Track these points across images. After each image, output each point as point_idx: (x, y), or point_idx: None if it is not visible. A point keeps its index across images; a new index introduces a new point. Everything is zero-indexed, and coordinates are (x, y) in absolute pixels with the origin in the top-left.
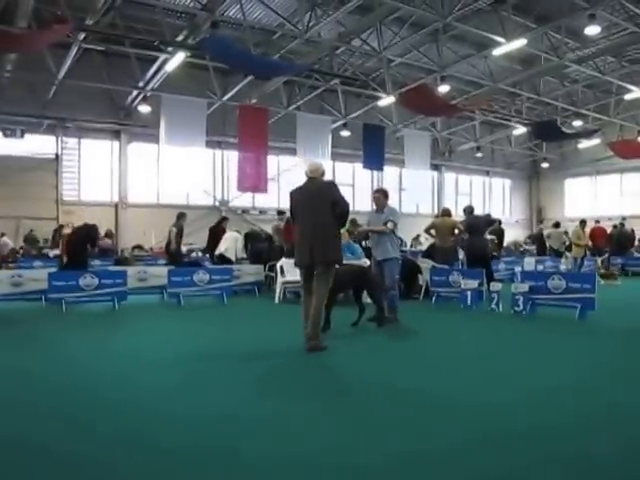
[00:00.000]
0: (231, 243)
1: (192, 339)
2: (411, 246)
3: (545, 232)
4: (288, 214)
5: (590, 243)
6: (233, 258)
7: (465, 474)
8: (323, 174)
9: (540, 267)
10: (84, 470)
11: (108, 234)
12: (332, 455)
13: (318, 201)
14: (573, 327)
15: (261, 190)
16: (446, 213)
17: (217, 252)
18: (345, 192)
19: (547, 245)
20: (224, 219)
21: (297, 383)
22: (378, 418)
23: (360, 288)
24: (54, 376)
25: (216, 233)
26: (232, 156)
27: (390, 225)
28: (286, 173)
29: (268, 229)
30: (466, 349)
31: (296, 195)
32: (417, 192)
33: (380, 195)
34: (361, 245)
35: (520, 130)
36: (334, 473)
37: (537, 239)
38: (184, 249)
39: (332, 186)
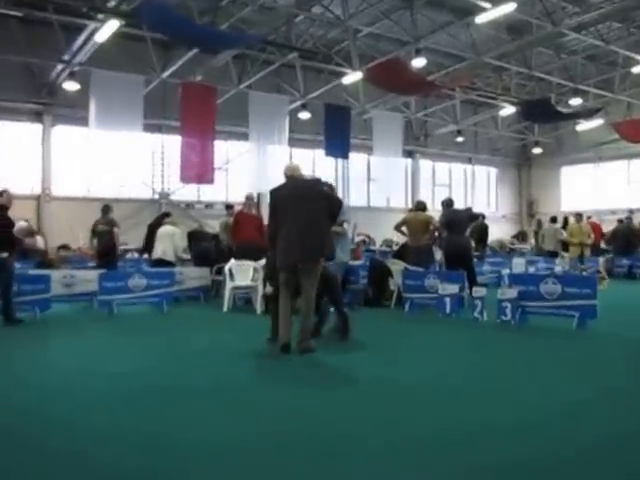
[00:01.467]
0: (167, 242)
1: (128, 356)
2: (387, 245)
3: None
4: (237, 208)
5: (590, 240)
6: (173, 259)
7: None
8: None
9: (531, 269)
10: None
11: (30, 231)
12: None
13: (308, 198)
14: (571, 339)
15: (207, 181)
16: (420, 207)
17: (154, 257)
18: None
19: (535, 244)
20: (166, 215)
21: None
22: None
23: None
24: None
25: (155, 231)
26: (174, 142)
27: (346, 226)
28: (236, 161)
29: (215, 225)
30: (446, 368)
31: (280, 194)
32: (388, 183)
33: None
34: None
35: (508, 110)
36: None
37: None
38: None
39: (320, 183)
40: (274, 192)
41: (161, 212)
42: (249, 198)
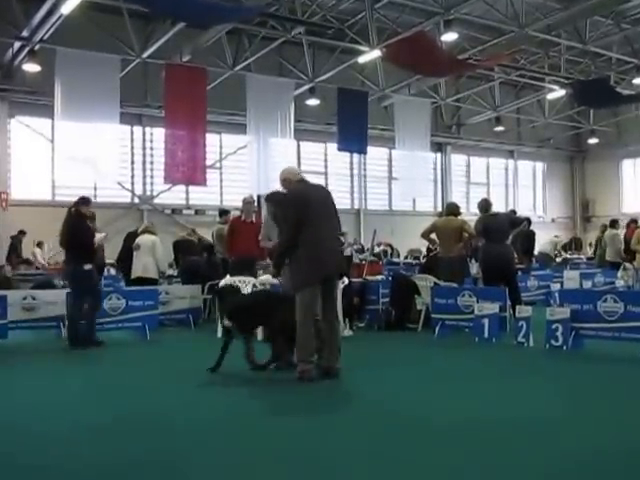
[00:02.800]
0: (147, 255)
1: (103, 399)
2: (414, 257)
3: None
4: (234, 214)
5: None
6: (156, 275)
7: None
8: None
9: (587, 284)
10: None
11: None
12: None
13: (329, 207)
14: (638, 369)
15: (197, 182)
16: (452, 211)
17: (133, 275)
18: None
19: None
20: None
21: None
22: None
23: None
24: None
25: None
26: (157, 134)
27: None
28: (232, 158)
29: (207, 235)
30: (484, 405)
31: (307, 196)
32: (413, 182)
33: (273, 206)
34: None
35: (557, 93)
36: None
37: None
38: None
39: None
40: (300, 192)
41: (144, 220)
42: (248, 202)
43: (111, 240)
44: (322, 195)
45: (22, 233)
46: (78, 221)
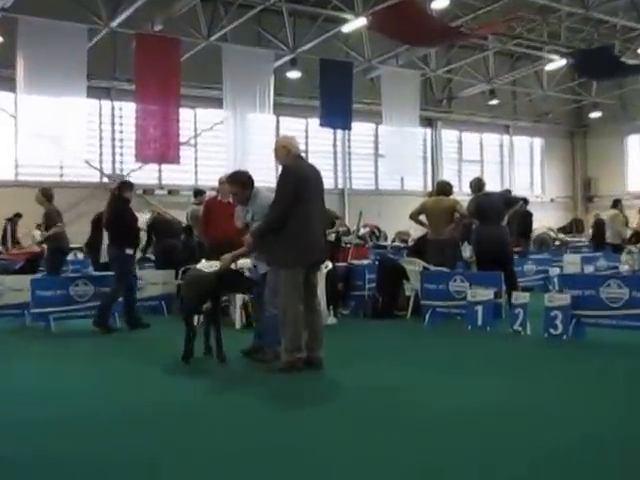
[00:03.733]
0: None
1: (72, 391)
2: (402, 240)
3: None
4: (211, 194)
5: None
6: None
7: None
8: None
9: (589, 268)
10: None
11: None
12: None
13: (321, 189)
14: None
15: (170, 160)
16: (442, 190)
17: (103, 259)
18: None
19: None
20: None
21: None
22: None
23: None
24: None
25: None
26: (128, 110)
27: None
28: (207, 134)
29: (181, 217)
30: (477, 398)
31: (307, 174)
32: (401, 160)
33: (236, 188)
34: None
35: (557, 63)
36: None
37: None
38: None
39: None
40: (297, 169)
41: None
42: (224, 182)
43: (76, 221)
44: (316, 176)
45: (18, 216)
46: (123, 205)
